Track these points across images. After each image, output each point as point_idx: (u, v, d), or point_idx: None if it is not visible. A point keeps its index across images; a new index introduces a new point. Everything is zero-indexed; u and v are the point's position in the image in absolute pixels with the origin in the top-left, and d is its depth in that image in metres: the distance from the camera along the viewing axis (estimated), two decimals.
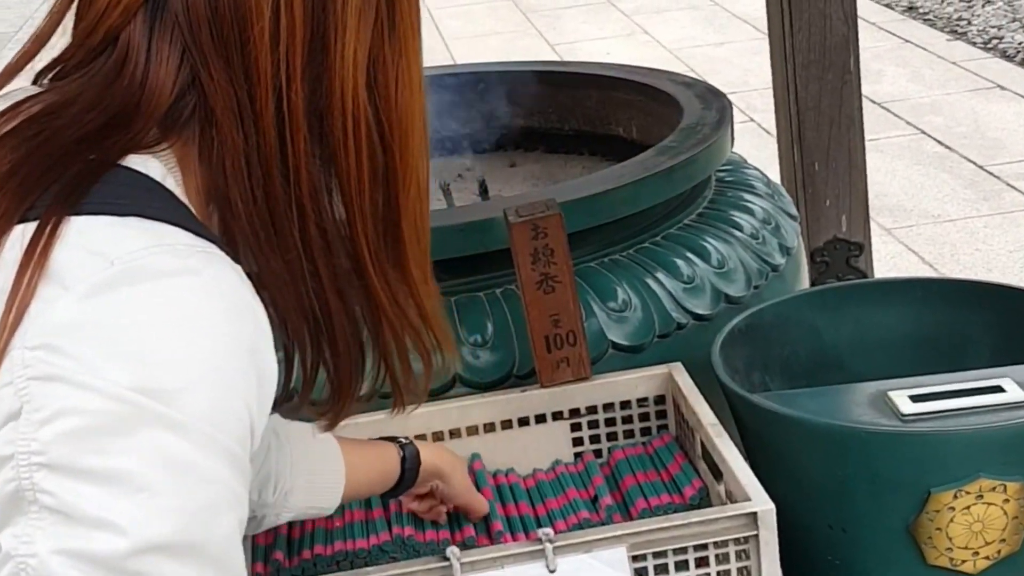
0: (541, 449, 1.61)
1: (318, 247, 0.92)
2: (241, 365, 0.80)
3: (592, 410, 1.61)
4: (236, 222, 0.89)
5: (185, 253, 0.81)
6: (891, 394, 1.46)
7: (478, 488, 1.53)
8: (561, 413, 1.61)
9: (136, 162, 0.86)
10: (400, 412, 1.10)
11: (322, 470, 1.33)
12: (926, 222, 4.23)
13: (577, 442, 1.62)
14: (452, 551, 1.28)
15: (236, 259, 0.87)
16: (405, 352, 1.03)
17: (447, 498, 1.47)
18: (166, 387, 0.76)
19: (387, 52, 0.92)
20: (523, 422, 1.61)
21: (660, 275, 1.77)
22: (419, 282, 1.02)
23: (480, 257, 1.74)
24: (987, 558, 1.39)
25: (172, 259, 0.80)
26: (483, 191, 2.20)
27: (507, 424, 1.61)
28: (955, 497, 1.36)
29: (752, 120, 5.17)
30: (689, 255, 1.82)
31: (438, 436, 1.61)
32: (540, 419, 1.61)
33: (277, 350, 0.88)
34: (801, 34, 2.47)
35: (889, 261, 3.91)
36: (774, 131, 4.44)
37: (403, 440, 1.43)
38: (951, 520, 1.37)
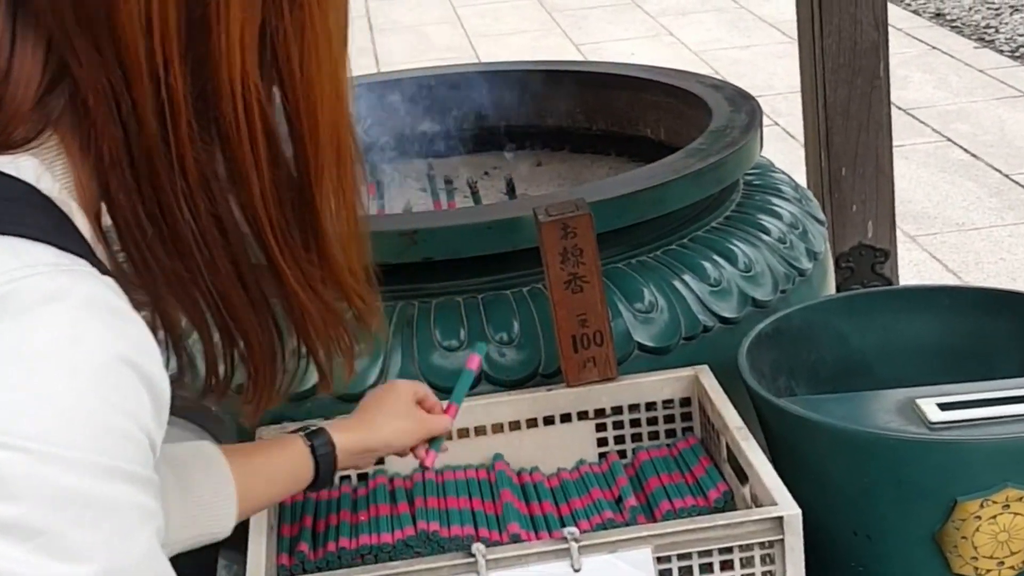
0: (566, 448, 1.61)
1: (213, 238, 0.86)
2: (122, 382, 0.75)
3: (617, 410, 1.61)
4: (121, 216, 0.84)
5: (48, 275, 0.75)
6: (919, 402, 1.46)
7: (499, 489, 1.53)
8: (586, 413, 1.61)
9: (4, 164, 0.80)
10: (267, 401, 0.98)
11: (209, 502, 1.25)
12: (950, 230, 4.21)
13: (602, 442, 1.62)
14: (477, 547, 1.28)
15: (117, 263, 0.83)
16: (326, 337, 0.97)
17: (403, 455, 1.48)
18: (44, 424, 0.71)
19: (287, 26, 0.85)
20: (548, 421, 1.61)
21: (687, 277, 1.77)
22: (344, 265, 0.95)
23: (508, 255, 1.75)
24: (1012, 568, 1.39)
25: (35, 285, 0.74)
26: (510, 189, 2.20)
27: (532, 423, 1.61)
28: (981, 506, 1.35)
29: (776, 124, 5.16)
30: (716, 258, 1.81)
31: (463, 433, 1.61)
32: (565, 418, 1.61)
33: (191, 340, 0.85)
34: (831, 38, 2.46)
35: (913, 268, 3.90)
36: (799, 135, 4.44)
37: (311, 428, 1.38)
38: (977, 529, 1.36)
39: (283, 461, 1.35)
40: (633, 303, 1.72)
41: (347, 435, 1.39)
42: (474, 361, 1.53)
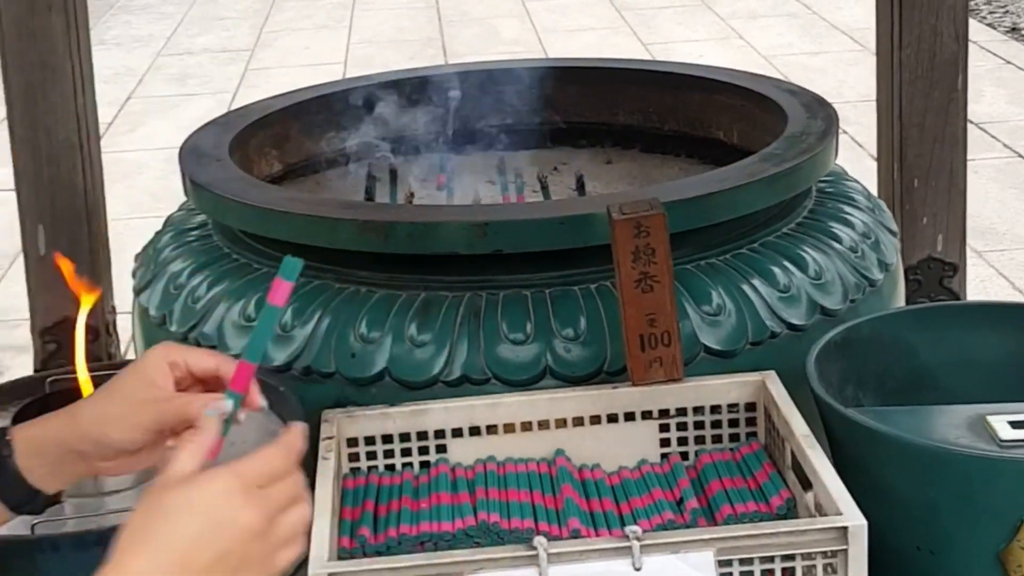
0: (628, 447, 1.61)
1: None
2: None
3: (682, 412, 1.61)
4: None
5: None
6: (990, 419, 1.45)
7: (560, 485, 1.53)
8: (650, 413, 1.61)
9: None
10: None
11: None
12: (1018, 247, 4.16)
13: (664, 443, 1.62)
14: (539, 541, 1.29)
15: None
16: None
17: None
18: None
19: None
20: (612, 419, 1.61)
21: (756, 282, 1.76)
22: None
23: (578, 251, 1.75)
24: None
25: None
26: (580, 186, 2.20)
27: (596, 419, 1.61)
28: None
29: (845, 132, 5.11)
30: (786, 264, 1.81)
31: (526, 426, 1.61)
32: (629, 417, 1.61)
33: None
34: (910, 49, 2.44)
35: (979, 284, 3.85)
36: (867, 144, 4.40)
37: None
38: None
39: None
40: (701, 305, 1.72)
41: (40, 431, 1.09)
42: (281, 292, 0.98)
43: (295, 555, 0.93)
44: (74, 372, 1.71)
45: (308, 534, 0.97)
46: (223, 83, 6.40)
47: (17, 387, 1.71)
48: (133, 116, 5.91)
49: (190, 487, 0.90)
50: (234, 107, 5.99)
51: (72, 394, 1.58)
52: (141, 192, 4.92)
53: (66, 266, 1.58)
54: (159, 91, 6.34)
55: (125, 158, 5.22)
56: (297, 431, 0.98)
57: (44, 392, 1.65)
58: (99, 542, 1.35)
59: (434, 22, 7.28)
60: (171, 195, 4.90)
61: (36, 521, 1.39)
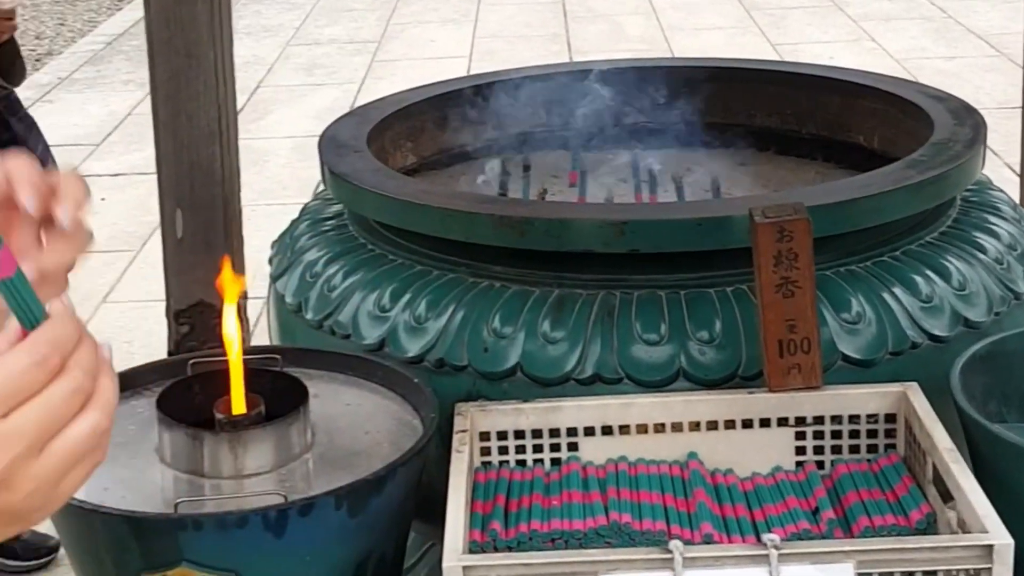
0: (762, 453, 1.59)
1: None
2: None
3: (819, 420, 1.59)
4: None
5: None
6: None
7: (692, 488, 1.52)
8: (786, 420, 1.59)
9: None
10: None
11: None
12: None
13: (800, 451, 1.60)
14: (675, 545, 1.28)
15: None
16: None
17: None
18: None
19: None
20: (746, 424, 1.59)
21: (897, 291, 1.73)
22: None
23: (715, 253, 1.73)
24: None
25: None
26: (715, 188, 2.18)
27: (730, 424, 1.60)
28: None
29: None
30: (929, 273, 1.77)
31: (659, 428, 1.61)
32: (764, 423, 1.59)
33: None
34: None
35: None
36: (1004, 153, 4.28)
37: None
38: None
39: None
40: (840, 312, 1.69)
41: None
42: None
43: (80, 479, 0.66)
44: (214, 355, 1.74)
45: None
46: (349, 74, 6.48)
47: (160, 368, 1.75)
48: (261, 104, 6.01)
49: None
50: (360, 98, 6.09)
51: (214, 376, 1.62)
52: (268, 179, 5.00)
53: (226, 265, 1.62)
54: (287, 80, 6.44)
55: (253, 145, 5.31)
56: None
57: (186, 374, 1.69)
58: (239, 524, 1.38)
59: (559, 17, 7.28)
60: (297, 183, 5.00)
61: (178, 500, 1.42)
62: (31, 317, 0.68)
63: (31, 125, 2.61)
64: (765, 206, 1.58)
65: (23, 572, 2.66)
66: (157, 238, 4.29)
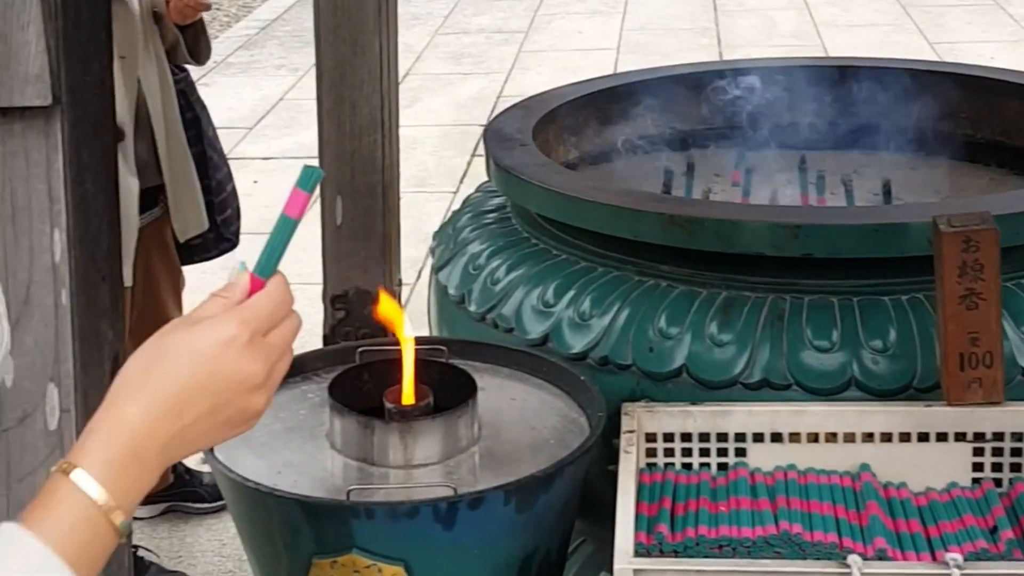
0: (937, 468, 1.55)
1: None
2: None
3: (999, 436, 1.54)
4: None
5: None
6: None
7: (864, 501, 1.49)
8: (964, 435, 1.54)
9: None
10: None
11: None
12: None
13: (977, 467, 1.55)
14: (854, 560, 1.25)
15: None
16: None
17: None
18: None
19: None
20: (922, 437, 1.55)
21: None
22: None
23: (891, 260, 1.69)
24: None
25: None
26: (886, 192, 2.13)
27: (905, 437, 1.56)
28: None
29: None
30: None
31: (830, 437, 1.57)
32: (941, 437, 1.55)
33: None
34: None
35: None
36: None
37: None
38: None
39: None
40: (1021, 326, 1.63)
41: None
42: (297, 202, 0.88)
43: (269, 400, 0.86)
44: (381, 343, 1.76)
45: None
46: (497, 64, 6.50)
47: (328, 355, 1.77)
48: (410, 92, 6.07)
49: (194, 332, 0.83)
50: (507, 88, 6.11)
51: (382, 365, 1.63)
52: (416, 166, 5.05)
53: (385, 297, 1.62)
54: (435, 69, 6.49)
55: (401, 133, 5.37)
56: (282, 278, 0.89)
57: (353, 361, 1.71)
58: (410, 514, 1.39)
59: (709, 11, 7.20)
60: (444, 171, 5.05)
61: (350, 488, 1.44)
62: (271, 263, 0.87)
63: (204, 107, 2.68)
64: (950, 215, 1.54)
65: (208, 513, 2.75)
66: (308, 221, 4.38)
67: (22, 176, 1.26)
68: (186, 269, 2.72)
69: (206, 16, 2.61)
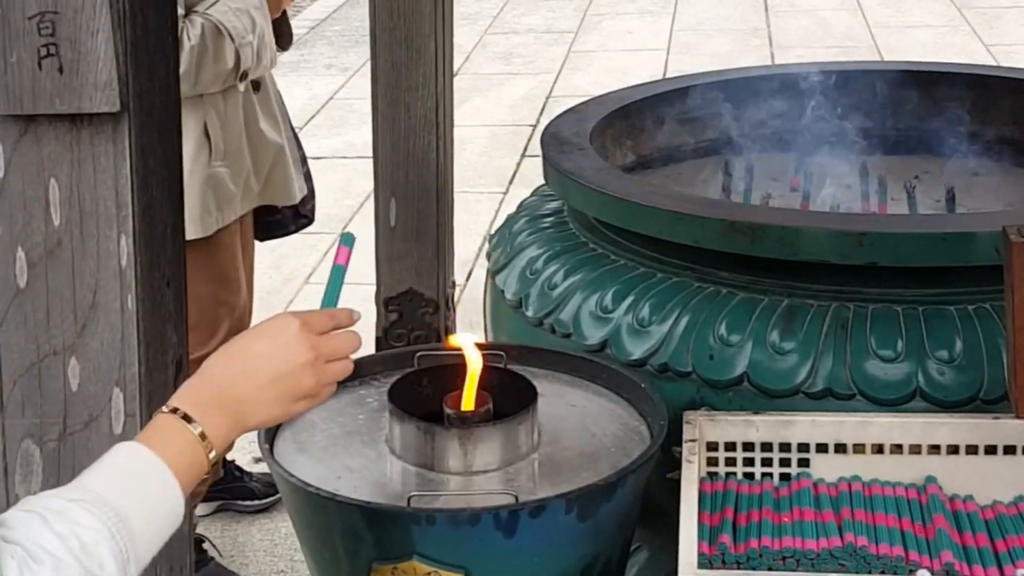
0: (1005, 482, 1.52)
1: None
2: None
3: None
4: None
5: None
6: None
7: (931, 514, 1.47)
8: None
9: None
10: None
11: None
12: None
13: None
14: (923, 574, 1.23)
15: None
16: None
17: None
18: None
19: None
20: (989, 450, 1.53)
21: None
22: None
23: (957, 269, 1.67)
24: None
25: None
26: (949, 199, 2.10)
27: (972, 449, 1.53)
28: None
29: None
30: None
31: (895, 448, 1.55)
32: (1009, 450, 1.52)
33: None
34: None
35: None
36: None
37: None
38: None
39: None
40: None
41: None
42: (343, 254, 1.26)
43: (327, 396, 1.15)
44: (439, 348, 1.76)
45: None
46: (546, 64, 6.49)
47: (388, 359, 1.77)
48: (459, 92, 6.03)
49: (267, 320, 1.14)
50: (556, 89, 6.09)
51: (441, 370, 1.63)
52: (465, 167, 5.04)
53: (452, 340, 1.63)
54: (484, 69, 6.49)
55: None
56: (350, 311, 1.19)
57: (411, 366, 1.70)
58: (471, 521, 1.38)
59: (760, 11, 7.16)
60: (493, 171, 5.04)
61: (410, 494, 1.43)
62: (331, 301, 1.21)
63: (281, 101, 2.72)
64: (1021, 224, 1.51)
65: (259, 511, 2.77)
66: (359, 221, 4.38)
67: (90, 182, 1.27)
68: None
69: None
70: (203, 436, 1.04)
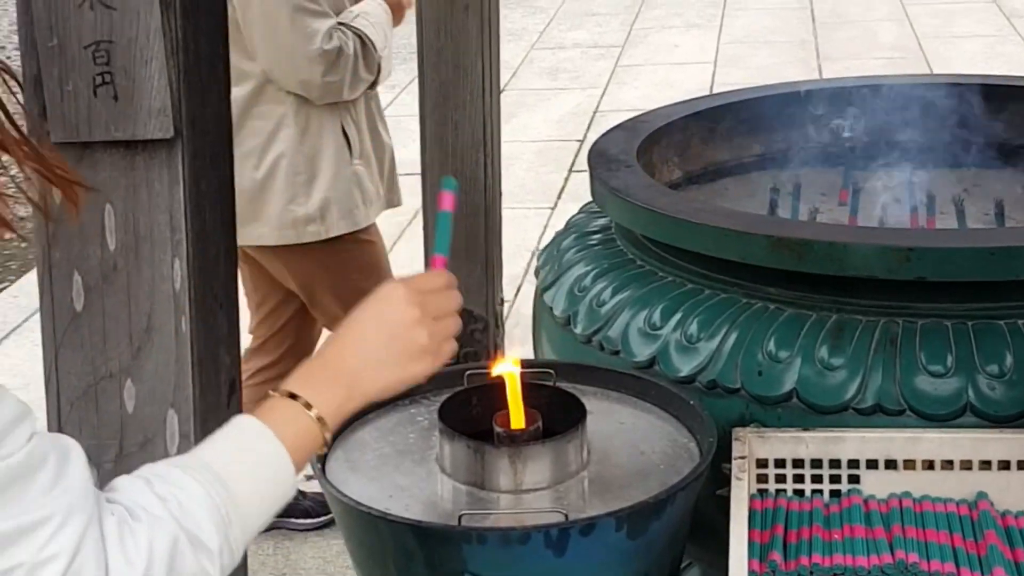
0: None
1: None
2: None
3: None
4: None
5: None
6: None
7: (983, 530, 1.46)
8: None
9: None
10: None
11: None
12: None
13: None
14: None
15: None
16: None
17: None
18: None
19: None
20: None
21: None
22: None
23: (1007, 284, 1.66)
24: None
25: None
26: (999, 213, 2.09)
27: (1023, 465, 1.52)
28: None
29: None
30: None
31: (946, 464, 1.55)
32: None
33: None
34: None
35: None
36: None
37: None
38: None
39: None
40: None
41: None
42: (447, 200, 1.30)
43: (447, 354, 1.19)
44: (488, 366, 1.77)
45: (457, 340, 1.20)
46: (593, 78, 6.51)
47: (438, 378, 1.77)
48: (506, 108, 6.06)
49: (378, 289, 1.16)
50: (603, 103, 6.11)
51: (491, 388, 1.64)
52: (512, 182, 5.06)
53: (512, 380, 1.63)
54: (531, 84, 6.52)
55: None
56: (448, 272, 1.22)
57: (460, 384, 1.72)
58: (522, 540, 1.39)
59: (807, 23, 7.14)
60: (541, 187, 5.06)
61: (461, 512, 1.45)
62: (443, 247, 1.25)
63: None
64: None
65: (311, 529, 2.80)
66: (407, 238, 4.41)
67: (145, 207, 1.30)
68: None
69: None
70: (308, 406, 1.08)
